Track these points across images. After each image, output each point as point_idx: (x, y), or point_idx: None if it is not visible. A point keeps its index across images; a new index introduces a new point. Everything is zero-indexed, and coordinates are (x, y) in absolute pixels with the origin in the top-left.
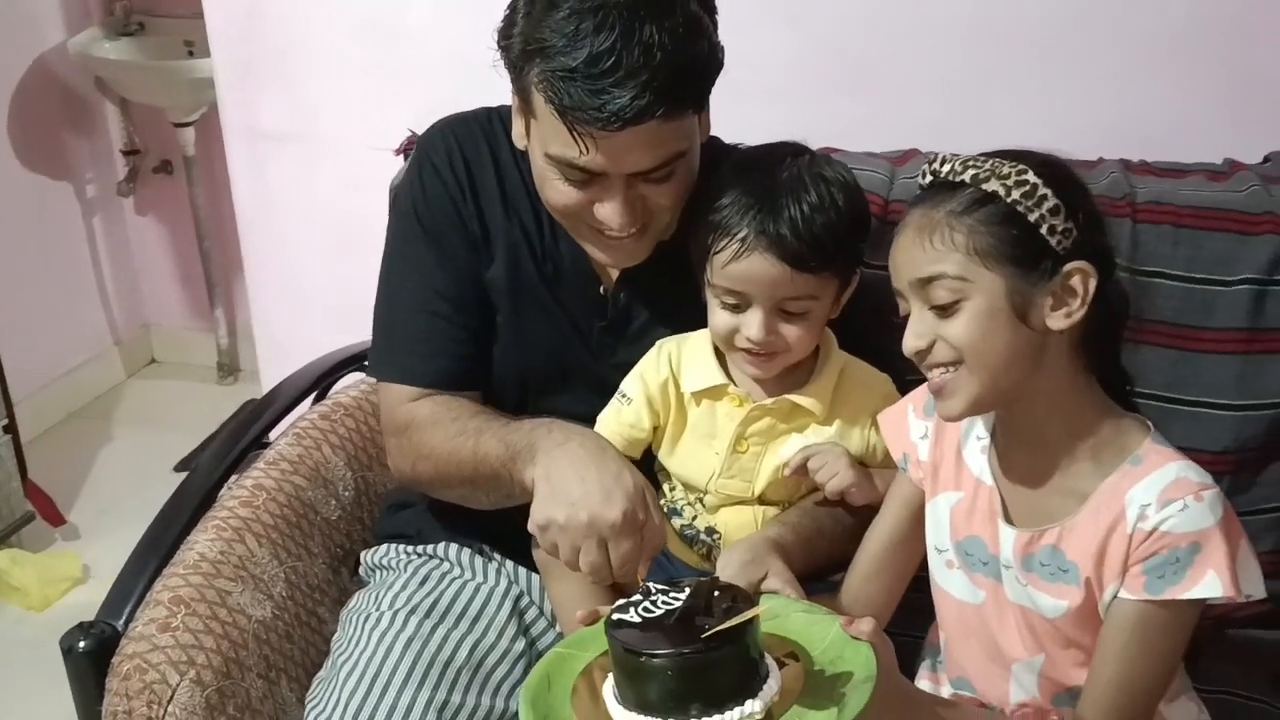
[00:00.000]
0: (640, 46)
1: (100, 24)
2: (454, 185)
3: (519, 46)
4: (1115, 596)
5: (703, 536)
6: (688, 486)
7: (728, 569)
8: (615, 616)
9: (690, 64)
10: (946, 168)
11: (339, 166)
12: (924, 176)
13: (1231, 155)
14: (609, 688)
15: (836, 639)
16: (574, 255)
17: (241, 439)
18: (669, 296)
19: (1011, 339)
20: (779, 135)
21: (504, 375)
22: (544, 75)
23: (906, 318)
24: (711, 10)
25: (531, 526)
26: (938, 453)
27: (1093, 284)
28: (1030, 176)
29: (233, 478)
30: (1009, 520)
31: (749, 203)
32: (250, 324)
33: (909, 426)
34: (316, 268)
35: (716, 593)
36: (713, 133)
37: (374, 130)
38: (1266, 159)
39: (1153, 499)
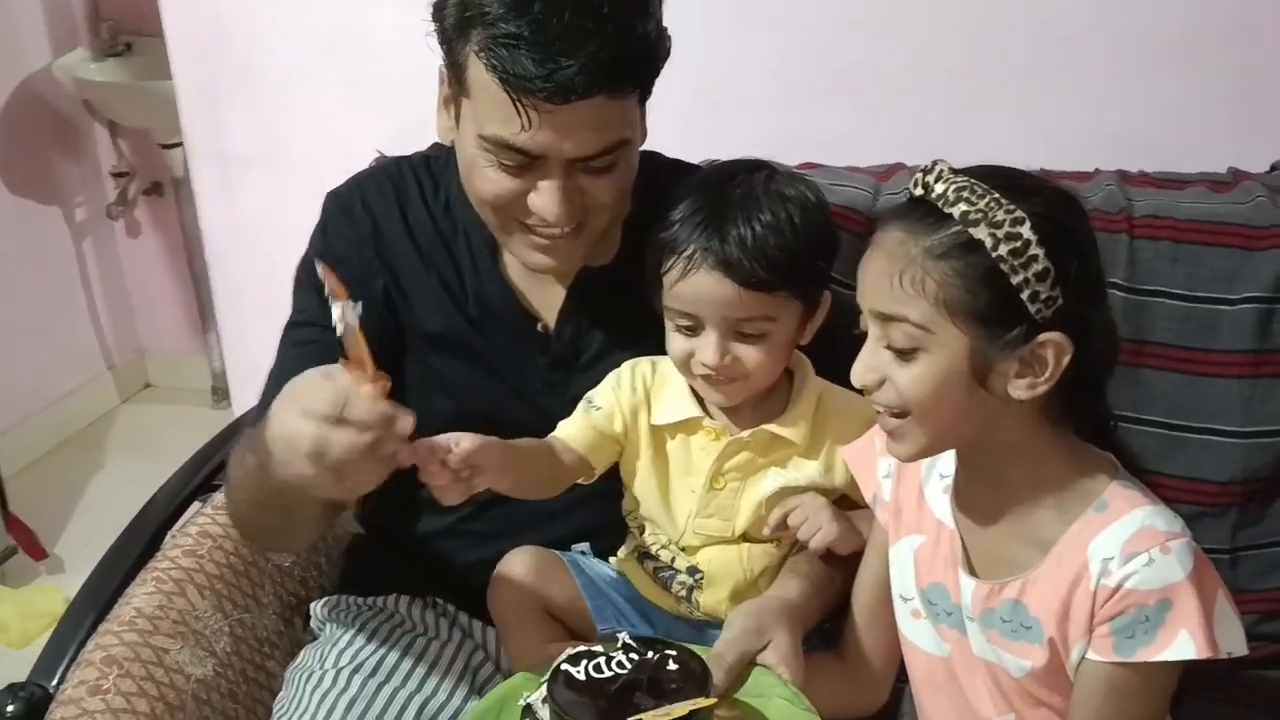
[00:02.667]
0: (591, 16)
1: (87, 45)
2: (353, 236)
3: (455, 15)
4: (1083, 657)
5: (683, 576)
6: (662, 530)
7: (730, 630)
8: (564, 666)
9: (639, 42)
10: (940, 188)
11: (309, 186)
12: (915, 186)
13: (1236, 164)
14: None
15: None
16: (503, 296)
17: (191, 481)
18: (616, 323)
19: (965, 401)
20: (760, 146)
21: (429, 422)
22: (486, 42)
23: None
24: None
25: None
26: (901, 493)
27: (1066, 359)
28: (1025, 230)
29: (179, 522)
30: (970, 570)
31: (698, 220)
32: None
33: (875, 464)
34: (287, 293)
35: (671, 666)
36: (690, 142)
37: (344, 149)
38: (1274, 168)
39: (1116, 552)
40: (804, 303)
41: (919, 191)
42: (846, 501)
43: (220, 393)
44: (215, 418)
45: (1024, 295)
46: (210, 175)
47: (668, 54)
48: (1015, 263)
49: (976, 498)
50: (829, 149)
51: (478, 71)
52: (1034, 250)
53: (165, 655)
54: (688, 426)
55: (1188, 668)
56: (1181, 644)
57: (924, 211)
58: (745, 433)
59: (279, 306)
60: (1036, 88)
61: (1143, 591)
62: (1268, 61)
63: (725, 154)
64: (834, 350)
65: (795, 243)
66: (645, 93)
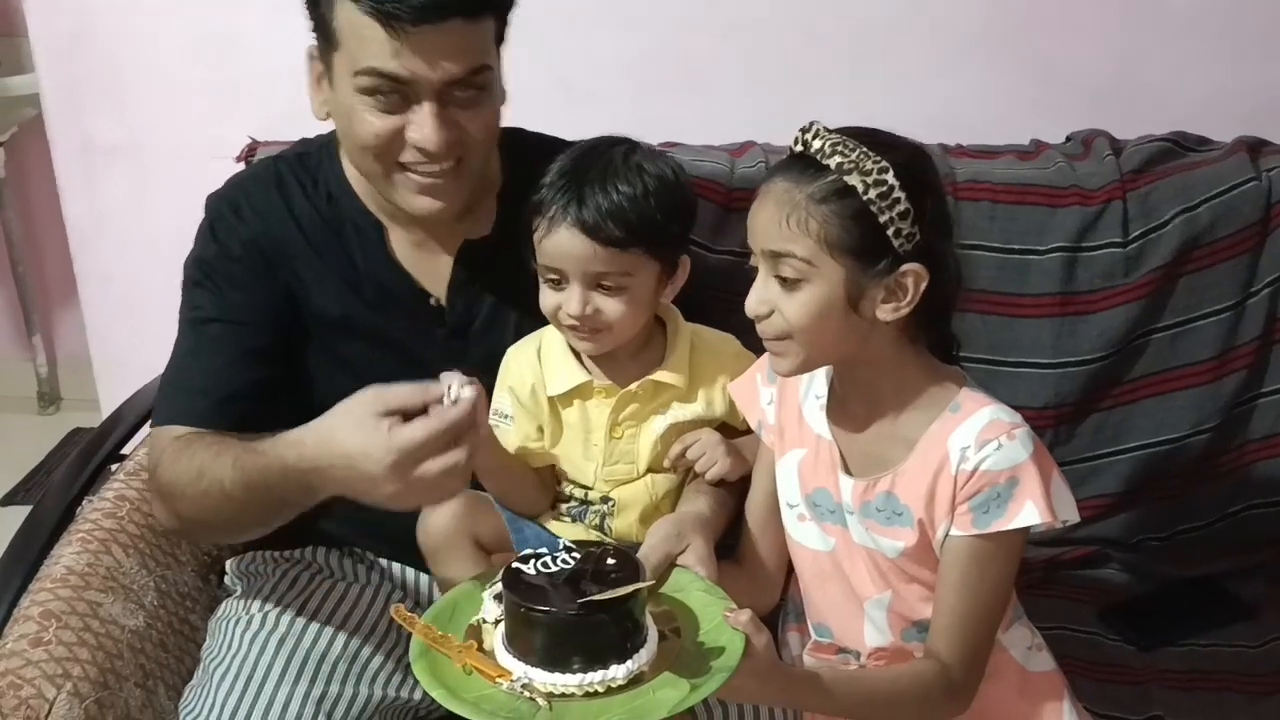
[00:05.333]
0: None
1: None
2: (245, 235)
3: None
4: (947, 534)
5: (598, 505)
6: (576, 483)
7: (653, 538)
8: (515, 565)
9: None
10: (817, 144)
11: (177, 180)
12: (796, 144)
13: (1036, 137)
14: (499, 632)
15: (721, 624)
16: (395, 276)
17: (96, 453)
18: (502, 288)
19: (841, 324)
20: (619, 132)
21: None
22: None
23: (755, 271)
24: None
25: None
26: (782, 415)
27: (923, 285)
28: (889, 177)
29: (89, 495)
30: (848, 471)
31: (561, 185)
32: (76, 350)
33: (758, 394)
34: (156, 283)
35: (610, 560)
36: (554, 128)
37: (213, 142)
38: (1068, 138)
39: (971, 441)
40: (661, 262)
41: (799, 148)
42: (726, 428)
43: (47, 398)
44: (43, 424)
45: (889, 232)
46: (74, 168)
47: None
48: (882, 204)
49: (850, 409)
50: (682, 133)
51: (346, 13)
52: (897, 194)
53: (99, 609)
54: (581, 391)
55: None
56: (1027, 513)
57: (804, 165)
58: (633, 385)
59: (141, 295)
60: (862, 74)
61: (994, 472)
62: (1054, 50)
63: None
64: (700, 304)
65: (650, 209)
66: (501, 26)
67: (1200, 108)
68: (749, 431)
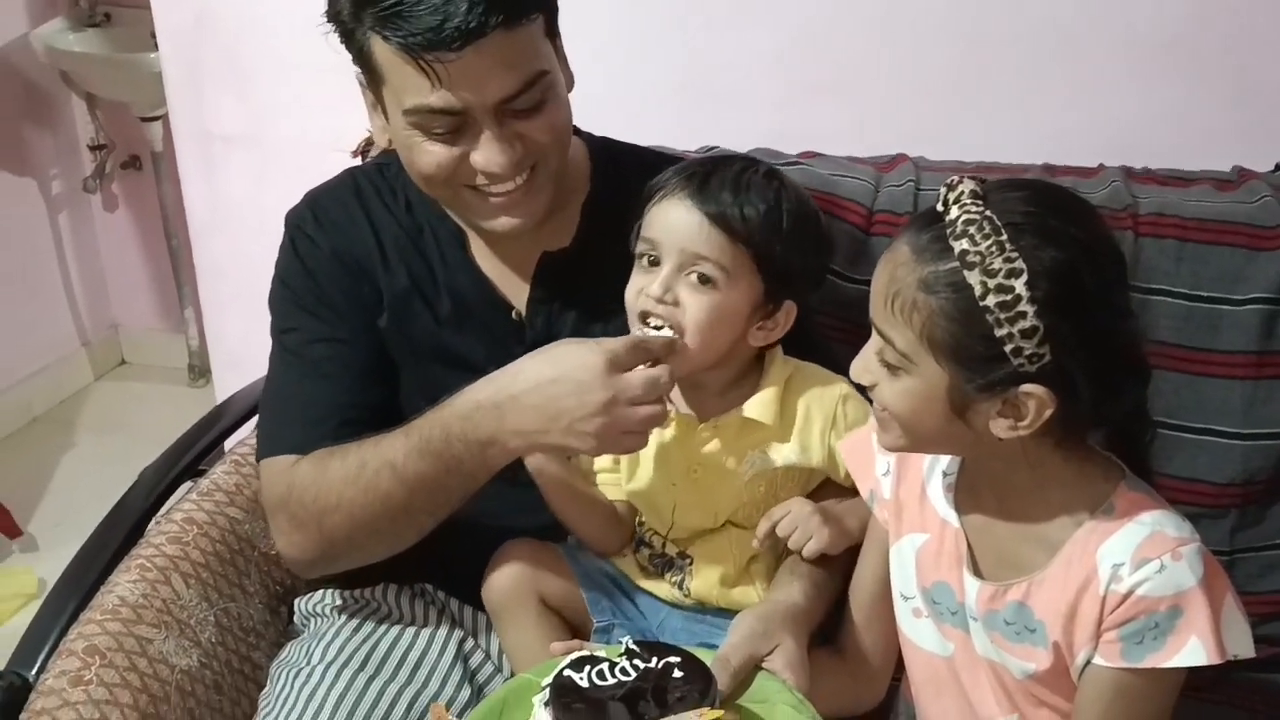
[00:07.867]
0: None
1: (65, 14)
2: (327, 249)
3: (347, 8)
4: (1089, 662)
5: (676, 560)
6: (653, 529)
7: (737, 634)
8: (566, 672)
9: None
10: (954, 213)
11: (295, 170)
12: (938, 200)
13: (1240, 163)
14: None
15: None
16: (475, 286)
17: (176, 465)
18: (585, 304)
19: (945, 426)
20: (756, 138)
21: None
22: (377, 21)
23: None
24: None
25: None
26: (902, 490)
27: (1049, 412)
28: (1019, 285)
29: (163, 508)
30: (975, 571)
31: (691, 170)
32: None
33: (873, 460)
34: (270, 277)
35: (677, 674)
36: (686, 131)
37: (331, 132)
38: (1278, 167)
39: (1126, 558)
40: (764, 284)
41: (939, 207)
42: (830, 485)
43: (196, 371)
44: (192, 396)
45: (1006, 349)
46: (194, 154)
47: None
48: (1002, 315)
49: (981, 497)
50: (826, 143)
51: (382, 50)
52: (1023, 307)
53: (149, 645)
54: None
55: None
56: (1191, 650)
57: (934, 235)
58: (715, 419)
59: (258, 287)
60: (1036, 87)
61: (1154, 598)
62: (1268, 64)
63: (720, 144)
64: (814, 334)
65: (774, 225)
66: (551, 24)
67: None
68: (856, 491)
